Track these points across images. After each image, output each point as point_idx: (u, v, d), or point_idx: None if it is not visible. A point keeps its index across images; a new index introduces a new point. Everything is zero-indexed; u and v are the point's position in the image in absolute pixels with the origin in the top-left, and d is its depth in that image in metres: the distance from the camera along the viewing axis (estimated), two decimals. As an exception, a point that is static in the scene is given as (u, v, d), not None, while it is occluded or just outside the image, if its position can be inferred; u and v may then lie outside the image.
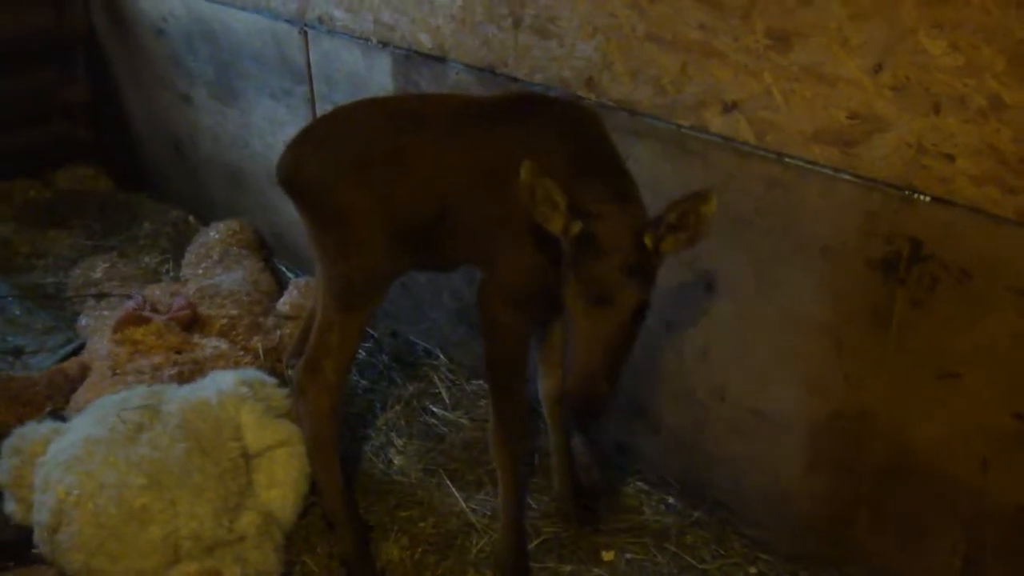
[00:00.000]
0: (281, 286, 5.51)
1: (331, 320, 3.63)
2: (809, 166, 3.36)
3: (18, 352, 5.15)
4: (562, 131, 3.34)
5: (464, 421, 4.63)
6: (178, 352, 4.57)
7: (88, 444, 3.65)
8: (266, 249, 5.91)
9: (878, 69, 3.11)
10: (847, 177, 3.28)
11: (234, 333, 4.85)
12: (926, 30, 2.97)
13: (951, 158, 3.03)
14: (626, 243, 2.87)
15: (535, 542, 3.95)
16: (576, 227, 2.92)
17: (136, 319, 4.63)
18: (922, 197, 3.13)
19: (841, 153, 3.28)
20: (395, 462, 4.41)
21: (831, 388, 3.55)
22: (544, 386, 3.89)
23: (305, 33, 5.12)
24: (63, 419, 4.14)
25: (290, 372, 3.86)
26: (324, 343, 3.65)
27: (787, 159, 3.41)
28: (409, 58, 4.59)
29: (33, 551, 3.70)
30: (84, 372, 4.59)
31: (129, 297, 5.12)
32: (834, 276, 3.39)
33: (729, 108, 3.52)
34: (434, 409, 4.72)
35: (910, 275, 3.22)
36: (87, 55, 7.15)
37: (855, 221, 3.29)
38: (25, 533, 3.74)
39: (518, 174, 2.98)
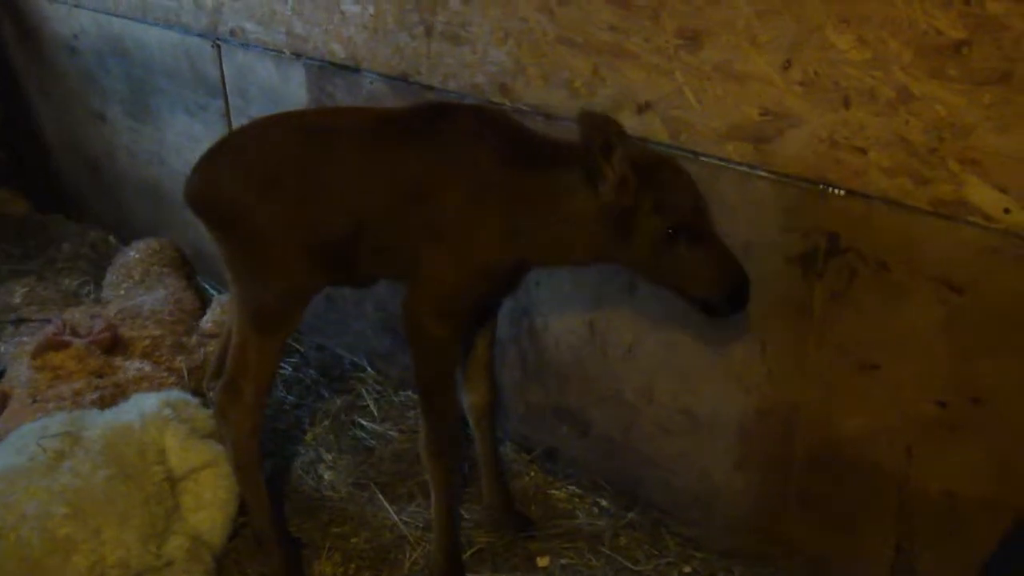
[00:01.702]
0: (205, 304, 5.43)
1: (247, 342, 3.56)
2: (724, 164, 3.38)
3: (-64, 381, 5.04)
4: (481, 131, 3.30)
5: (393, 433, 4.60)
6: (100, 376, 4.49)
7: (8, 475, 3.57)
8: (188, 267, 5.81)
9: (787, 65, 3.12)
10: (762, 173, 3.30)
11: (157, 354, 4.77)
12: (833, 25, 2.99)
13: (863, 151, 3.06)
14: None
15: (469, 552, 3.93)
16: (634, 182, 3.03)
17: (56, 344, 4.54)
18: (836, 191, 3.15)
19: (755, 150, 3.29)
20: (325, 477, 4.37)
21: (756, 385, 3.57)
22: (470, 399, 3.84)
23: (218, 47, 5.06)
24: (-18, 450, 4.05)
25: (211, 395, 3.80)
26: (242, 365, 3.59)
27: (702, 158, 3.42)
28: (323, 69, 4.55)
29: (-45, 587, 3.62)
30: (3, 400, 4.49)
31: (48, 321, 5.03)
32: (755, 273, 3.39)
33: (643, 108, 3.52)
34: (363, 422, 4.68)
35: (828, 268, 3.24)
36: (-4, 75, 7.03)
37: (772, 217, 3.31)
38: (-54, 569, 3.66)
39: (441, 184, 3.04)
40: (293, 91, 4.73)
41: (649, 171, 3.06)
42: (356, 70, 4.40)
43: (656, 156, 3.17)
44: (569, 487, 4.26)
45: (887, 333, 3.20)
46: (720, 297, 3.15)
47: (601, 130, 2.99)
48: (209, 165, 3.50)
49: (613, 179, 3.02)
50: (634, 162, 3.02)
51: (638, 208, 3.06)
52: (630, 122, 3.53)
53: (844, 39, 2.98)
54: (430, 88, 4.12)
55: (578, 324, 4.02)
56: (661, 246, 3.09)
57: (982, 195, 2.90)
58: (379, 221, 3.36)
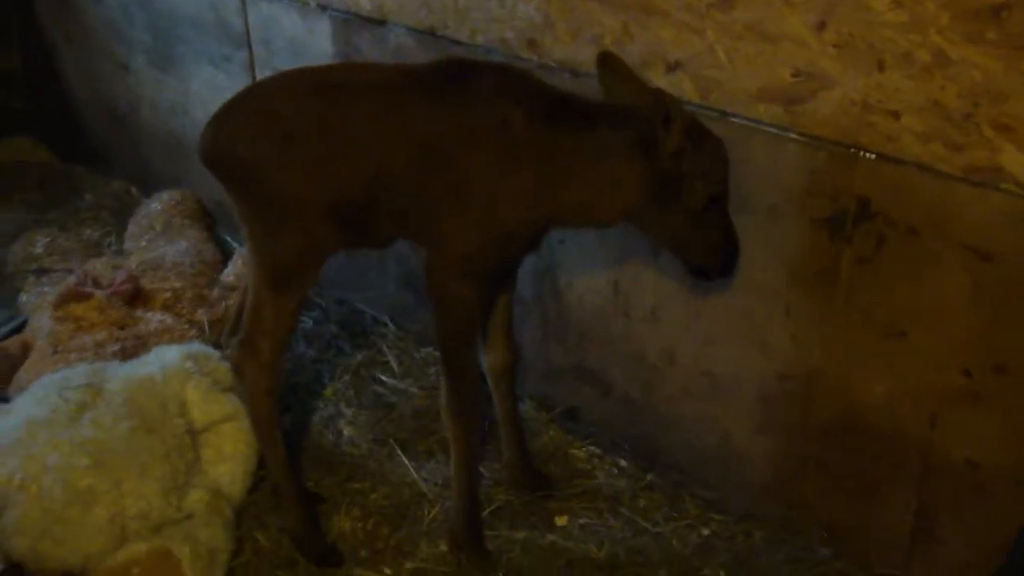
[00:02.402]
0: (226, 257, 5.42)
1: (263, 299, 3.53)
2: (754, 125, 3.34)
3: (-43, 331, 5.06)
4: (509, 89, 3.27)
5: (414, 390, 4.59)
6: (121, 327, 4.49)
7: (30, 426, 3.58)
8: (210, 219, 5.80)
9: (822, 26, 3.08)
10: (792, 136, 3.26)
11: (178, 306, 4.76)
12: (869, -14, 2.95)
13: (896, 115, 3.02)
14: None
15: (488, 510, 3.93)
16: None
17: (77, 295, 4.54)
18: (868, 155, 3.11)
19: (786, 111, 3.25)
20: (345, 433, 4.37)
21: (780, 349, 3.55)
22: (489, 359, 3.83)
23: (243, -3, 5.03)
24: (5, 400, 4.06)
25: (227, 352, 3.79)
26: (257, 322, 3.57)
27: (732, 118, 3.39)
28: (349, 22, 4.51)
29: (-24, 537, 3.64)
30: (26, 351, 4.50)
31: (70, 272, 5.03)
32: (781, 236, 3.38)
33: (672, 67, 3.48)
34: (383, 378, 4.68)
35: (856, 233, 3.22)
36: (20, 22, 6.98)
37: (801, 180, 3.28)
38: (-32, 518, 3.67)
39: (467, 141, 3.09)
40: (318, 43, 4.69)
41: (700, 140, 3.13)
42: (382, 23, 4.36)
43: (702, 125, 3.20)
44: (589, 447, 4.26)
45: (914, 300, 3.18)
46: (718, 263, 3.34)
47: (662, 99, 3.02)
48: (224, 120, 3.46)
49: (671, 148, 3.06)
50: (688, 131, 3.07)
51: (686, 175, 3.13)
52: (660, 81, 3.50)
53: (880, 1, 2.93)
54: (457, 43, 4.08)
55: (602, 284, 4.00)
56: (697, 213, 3.18)
57: (1016, 162, 2.86)
58: (399, 180, 3.32)
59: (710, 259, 3.34)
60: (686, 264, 3.42)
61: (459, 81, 3.30)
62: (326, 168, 3.33)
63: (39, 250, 5.56)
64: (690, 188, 3.15)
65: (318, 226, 3.40)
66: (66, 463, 3.47)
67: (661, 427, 4.06)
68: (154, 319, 4.61)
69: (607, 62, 3.37)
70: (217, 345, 4.30)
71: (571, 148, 3.21)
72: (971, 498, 3.28)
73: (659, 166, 3.12)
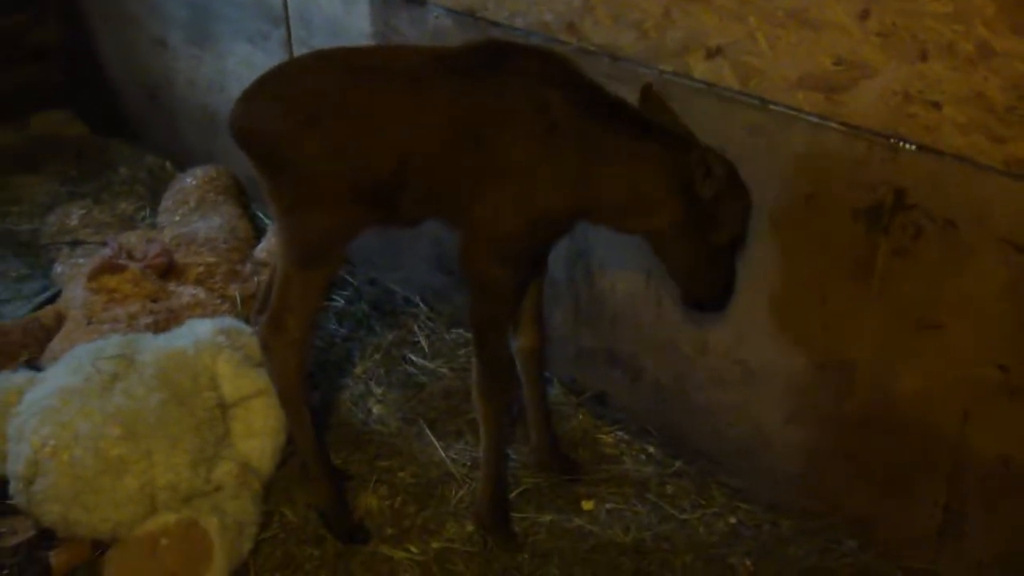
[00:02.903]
0: (259, 233, 5.44)
1: (291, 277, 3.54)
2: (793, 113, 3.32)
3: (-9, 300, 5.10)
4: (551, 74, 3.28)
5: (444, 370, 4.60)
6: (154, 300, 4.52)
7: (63, 394, 3.60)
8: (244, 195, 5.82)
9: (865, 15, 3.05)
10: (832, 125, 3.24)
11: (211, 281, 4.78)
12: (915, -25, 2.93)
13: (938, 106, 2.99)
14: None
15: (515, 492, 3.94)
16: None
17: (111, 267, 4.56)
18: (907, 145, 3.09)
19: (826, 100, 3.23)
20: (374, 411, 4.39)
21: (813, 339, 3.54)
22: (518, 343, 3.82)
23: (282, -25, 5.04)
24: (38, 369, 4.10)
25: (256, 328, 3.80)
26: (285, 299, 3.57)
27: (771, 106, 3.37)
28: (388, 2, 4.51)
29: (8, 502, 3.67)
30: (59, 321, 4.53)
31: (104, 245, 5.05)
32: (818, 225, 3.36)
33: (713, 53, 3.46)
34: (413, 358, 4.69)
35: (893, 224, 3.20)
36: (58, -3, 7.03)
37: (839, 169, 3.26)
38: (0, 484, 3.70)
39: (505, 123, 3.12)
40: (356, 23, 4.70)
41: (735, 188, 3.25)
42: (422, 3, 4.36)
43: (738, 174, 3.28)
44: (617, 432, 4.26)
45: (950, 293, 3.16)
46: (715, 299, 3.50)
47: (704, 154, 3.13)
48: (255, 96, 3.46)
49: (708, 194, 3.18)
50: (727, 179, 3.20)
51: (714, 216, 3.24)
52: (699, 67, 3.49)
53: (925, -10, 2.92)
54: (496, 24, 4.08)
55: (635, 270, 3.99)
56: (713, 250, 3.34)
57: (1059, 156, 2.84)
58: (432, 161, 3.32)
59: (710, 293, 3.47)
60: (684, 293, 3.53)
61: (498, 62, 3.30)
62: (355, 148, 3.33)
63: (74, 222, 5.59)
64: (716, 227, 3.27)
65: (346, 205, 3.41)
66: (98, 432, 3.50)
67: (691, 414, 4.05)
68: (186, 293, 4.63)
69: (649, 96, 3.40)
70: (249, 320, 4.31)
71: (613, 148, 3.24)
72: (1002, 494, 3.26)
73: (692, 201, 3.21)
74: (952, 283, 3.14)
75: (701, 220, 3.25)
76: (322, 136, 3.32)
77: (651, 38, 3.61)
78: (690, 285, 3.47)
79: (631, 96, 3.38)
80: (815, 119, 3.27)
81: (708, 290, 3.45)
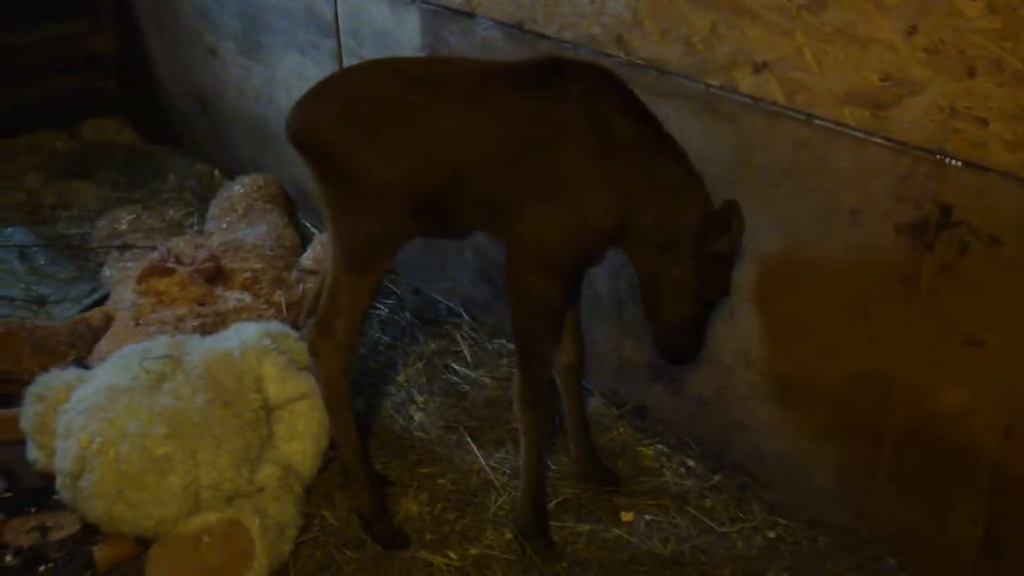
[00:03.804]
0: (305, 241, 5.51)
1: (340, 280, 3.59)
2: (839, 128, 3.33)
3: (42, 301, 5.17)
4: (608, 90, 3.33)
5: (486, 379, 4.63)
6: (201, 304, 4.58)
7: (111, 392, 3.66)
8: (290, 204, 5.89)
9: (912, 31, 3.06)
10: (878, 140, 3.25)
11: (257, 287, 4.85)
12: (962, -9, 2.93)
13: (984, 122, 3.00)
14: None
15: (554, 502, 3.95)
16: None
17: (160, 270, 4.63)
18: (953, 162, 3.09)
19: (872, 115, 3.24)
20: (416, 419, 4.41)
21: (856, 353, 3.53)
22: (560, 357, 3.84)
23: (333, -13, 5.10)
24: (86, 367, 4.15)
25: (304, 332, 3.84)
26: (334, 303, 3.62)
27: (817, 121, 3.38)
28: (438, 14, 4.56)
29: (55, 498, 3.72)
30: (107, 322, 4.60)
31: (153, 249, 5.13)
32: (862, 240, 3.37)
33: (759, 68, 3.48)
34: (455, 367, 4.72)
35: (939, 240, 3.19)
36: (114, 6, 7.12)
37: (885, 185, 3.26)
38: (47, 480, 3.75)
39: (561, 136, 3.20)
40: (406, 35, 4.75)
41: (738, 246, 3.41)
42: (471, 16, 4.40)
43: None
44: (657, 445, 4.26)
45: (995, 310, 3.15)
46: (691, 354, 3.61)
47: (730, 211, 3.21)
48: (313, 101, 3.53)
49: (720, 250, 3.31)
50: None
51: (713, 270, 3.38)
52: (746, 81, 3.51)
53: (974, 7, 2.92)
54: (545, 37, 4.11)
55: (678, 283, 4.00)
56: (703, 308, 3.49)
57: (1106, 174, 2.84)
58: (483, 172, 3.35)
59: (672, 348, 3.57)
60: (657, 342, 3.60)
61: (557, 79, 3.34)
62: (409, 157, 3.37)
63: (123, 227, 5.68)
64: (712, 282, 3.42)
65: (396, 212, 3.45)
66: (144, 430, 3.54)
67: (731, 428, 4.05)
68: (233, 298, 4.69)
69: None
70: (294, 326, 4.36)
71: (666, 176, 3.31)
72: (1043, 513, 3.26)
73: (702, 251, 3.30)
74: (996, 300, 3.13)
75: (702, 271, 3.35)
76: (377, 144, 3.37)
77: (698, 52, 3.63)
78: (671, 338, 3.53)
79: (675, 111, 3.41)
80: (861, 134, 3.28)
81: (672, 341, 3.54)
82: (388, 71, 3.56)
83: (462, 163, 3.35)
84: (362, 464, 3.85)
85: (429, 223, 3.54)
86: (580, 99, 3.28)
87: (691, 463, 4.16)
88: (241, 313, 4.56)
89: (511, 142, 3.30)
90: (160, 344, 3.91)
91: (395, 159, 3.37)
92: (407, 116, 3.38)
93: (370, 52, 4.93)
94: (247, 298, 4.71)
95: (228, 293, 4.74)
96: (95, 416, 3.58)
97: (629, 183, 3.28)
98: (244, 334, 3.99)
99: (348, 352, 3.69)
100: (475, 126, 3.34)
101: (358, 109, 3.43)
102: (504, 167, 3.32)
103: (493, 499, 3.97)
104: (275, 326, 4.13)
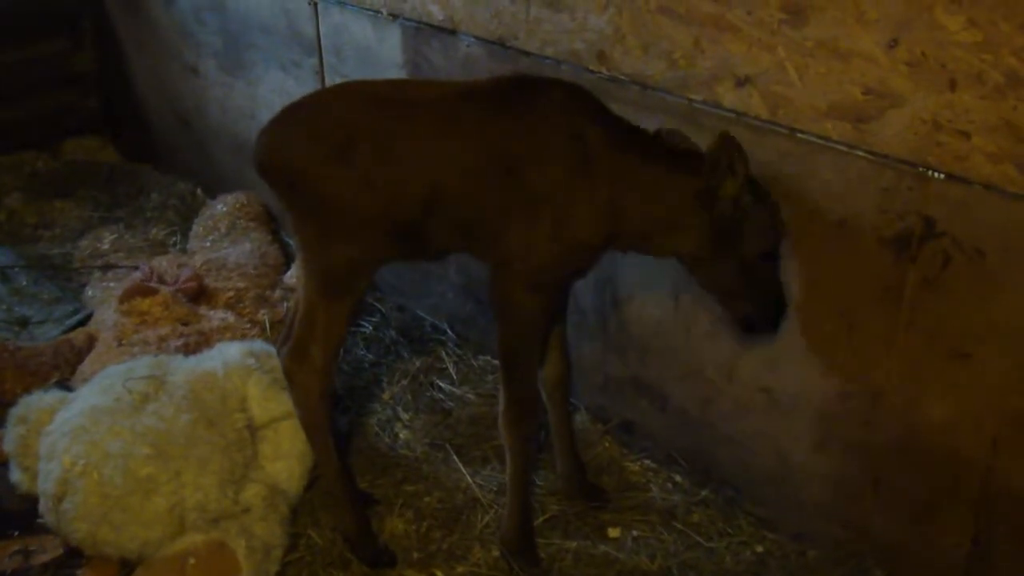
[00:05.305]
0: (288, 259, 5.49)
1: (314, 306, 3.54)
2: (822, 142, 3.33)
3: (24, 322, 5.14)
4: (580, 107, 3.32)
5: (471, 396, 4.62)
6: (184, 324, 4.56)
7: (94, 414, 3.64)
8: (273, 222, 5.88)
9: (894, 44, 3.07)
10: (860, 153, 3.25)
11: (241, 305, 4.83)
12: (943, 5, 2.93)
13: (967, 135, 3.00)
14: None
15: (541, 518, 3.94)
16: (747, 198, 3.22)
17: (143, 290, 4.62)
18: (936, 174, 3.10)
19: (855, 129, 3.25)
20: (401, 436, 4.40)
21: (840, 367, 3.54)
22: (544, 372, 3.82)
23: (315, 5, 5.08)
24: (69, 389, 4.14)
25: (280, 356, 3.81)
26: (310, 329, 3.57)
27: (800, 135, 3.38)
28: (419, 31, 4.56)
29: (38, 520, 3.70)
30: (90, 342, 4.58)
31: (135, 268, 5.10)
32: (846, 253, 3.37)
33: (742, 83, 3.49)
34: (440, 384, 4.71)
35: (922, 253, 3.20)
36: (95, 24, 7.11)
37: (868, 198, 3.27)
38: (30, 502, 3.73)
39: (540, 155, 3.19)
40: (388, 52, 4.74)
41: (759, 194, 3.25)
42: (453, 33, 4.40)
43: (762, 181, 3.30)
44: (643, 460, 4.26)
45: (979, 322, 3.15)
46: (763, 318, 3.45)
47: (727, 149, 3.11)
48: (280, 128, 3.47)
49: (730, 199, 3.19)
50: (750, 182, 3.19)
51: (742, 227, 3.25)
52: (729, 96, 3.51)
53: (955, 20, 2.92)
54: (527, 54, 4.11)
55: (663, 297, 4.00)
56: (748, 267, 3.31)
57: (1089, 185, 2.84)
58: (460, 194, 3.34)
59: (754, 311, 3.43)
60: (732, 314, 3.51)
61: (528, 95, 3.34)
62: (382, 181, 3.33)
63: (105, 246, 5.67)
64: (744, 240, 3.27)
65: (371, 238, 3.42)
66: (127, 451, 3.53)
67: (717, 443, 4.05)
68: (216, 317, 4.68)
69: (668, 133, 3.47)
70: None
71: (638, 178, 3.29)
72: (1030, 525, 3.26)
73: (717, 216, 3.23)
74: (981, 312, 3.13)
75: (725, 237, 3.27)
76: (348, 169, 3.32)
77: (681, 68, 3.63)
78: (733, 305, 3.46)
79: (657, 126, 3.41)
80: (844, 147, 3.28)
81: (751, 308, 3.43)
82: (357, 94, 3.53)
83: (437, 186, 3.32)
84: (345, 486, 3.82)
85: (404, 247, 3.51)
86: (553, 116, 3.28)
87: (678, 478, 4.16)
88: (225, 332, 4.54)
89: (487, 163, 3.29)
90: (143, 364, 3.90)
91: (367, 185, 3.32)
92: (378, 141, 3.32)
93: (352, 70, 4.93)
94: (231, 317, 4.70)
95: (211, 312, 4.73)
96: (78, 438, 3.56)
97: (609, 192, 3.27)
98: (228, 354, 3.98)
99: (325, 376, 3.64)
100: (450, 147, 3.32)
101: (326, 134, 3.37)
102: (482, 188, 3.31)
103: (480, 516, 3.95)
104: (259, 345, 4.12)
